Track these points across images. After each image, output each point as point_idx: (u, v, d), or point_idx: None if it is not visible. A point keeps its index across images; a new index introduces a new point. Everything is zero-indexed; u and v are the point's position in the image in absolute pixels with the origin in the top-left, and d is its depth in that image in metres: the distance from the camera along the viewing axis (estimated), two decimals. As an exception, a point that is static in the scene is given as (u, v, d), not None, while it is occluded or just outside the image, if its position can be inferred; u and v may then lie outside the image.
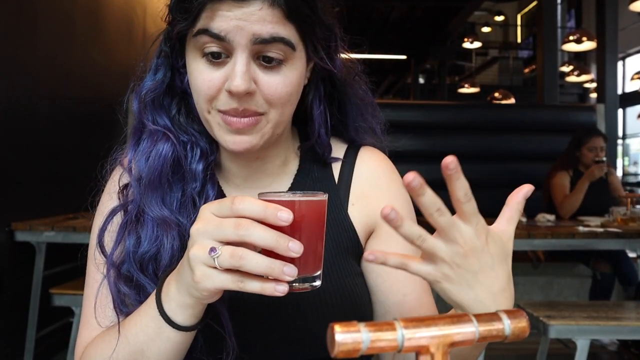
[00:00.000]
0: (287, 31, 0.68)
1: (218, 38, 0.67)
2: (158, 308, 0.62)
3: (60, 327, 2.96)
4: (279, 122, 0.73)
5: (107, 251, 0.75)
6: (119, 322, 0.69)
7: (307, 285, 0.58)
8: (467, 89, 10.55)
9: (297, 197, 0.57)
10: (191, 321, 0.62)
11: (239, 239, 0.54)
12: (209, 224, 0.56)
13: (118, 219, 0.77)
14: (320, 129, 0.82)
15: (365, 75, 0.87)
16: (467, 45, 10.08)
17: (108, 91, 3.81)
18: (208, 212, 0.57)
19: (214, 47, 0.68)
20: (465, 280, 0.56)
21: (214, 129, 0.72)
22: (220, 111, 0.70)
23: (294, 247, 0.54)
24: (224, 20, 0.66)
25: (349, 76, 0.84)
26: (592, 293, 3.45)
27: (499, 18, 15.62)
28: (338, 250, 0.79)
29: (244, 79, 0.67)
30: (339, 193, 0.83)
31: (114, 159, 0.82)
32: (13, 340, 2.66)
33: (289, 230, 0.56)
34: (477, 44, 10.12)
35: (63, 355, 2.99)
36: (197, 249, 0.56)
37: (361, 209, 0.82)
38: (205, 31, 0.67)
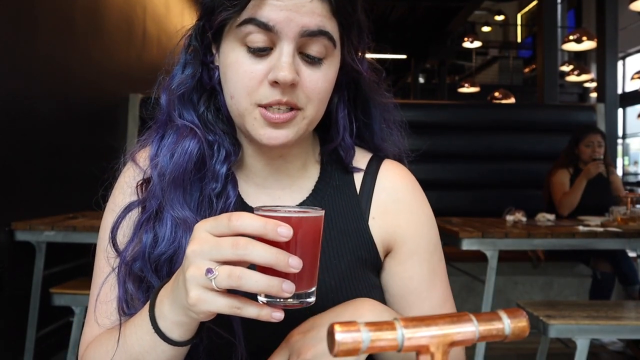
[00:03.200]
0: (331, 26, 0.69)
1: (266, 28, 0.66)
2: (152, 325, 0.61)
3: (60, 326, 2.97)
4: (313, 120, 0.73)
5: (120, 248, 0.74)
6: (120, 328, 0.68)
7: (301, 301, 0.57)
8: (467, 89, 10.55)
9: (294, 212, 0.56)
10: (187, 336, 0.61)
11: (238, 259, 0.53)
12: (206, 244, 0.54)
13: (133, 214, 0.75)
14: (344, 132, 0.81)
15: (388, 84, 0.87)
16: (467, 44, 10.07)
17: (108, 91, 3.82)
18: (203, 231, 0.56)
19: (258, 37, 0.67)
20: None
21: (248, 124, 0.71)
22: (260, 105, 0.69)
23: (294, 263, 0.53)
24: (273, 10, 0.66)
25: (373, 81, 0.84)
26: (592, 292, 3.46)
27: (499, 17, 15.61)
28: (356, 262, 0.78)
29: (290, 69, 0.66)
30: (360, 204, 0.81)
31: (130, 154, 0.81)
32: (13, 339, 2.66)
33: (286, 247, 0.54)
34: (477, 44, 10.11)
35: (63, 354, 2.99)
36: (194, 270, 0.54)
37: (381, 224, 0.81)
38: (253, 20, 0.66)
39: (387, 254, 0.82)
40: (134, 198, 0.77)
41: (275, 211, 0.56)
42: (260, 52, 0.68)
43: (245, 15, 0.67)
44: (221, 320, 0.68)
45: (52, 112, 3.03)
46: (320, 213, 0.58)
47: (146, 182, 0.76)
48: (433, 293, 0.80)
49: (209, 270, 0.53)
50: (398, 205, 0.82)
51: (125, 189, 0.79)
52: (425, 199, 0.86)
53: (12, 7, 2.65)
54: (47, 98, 2.99)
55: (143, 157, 0.80)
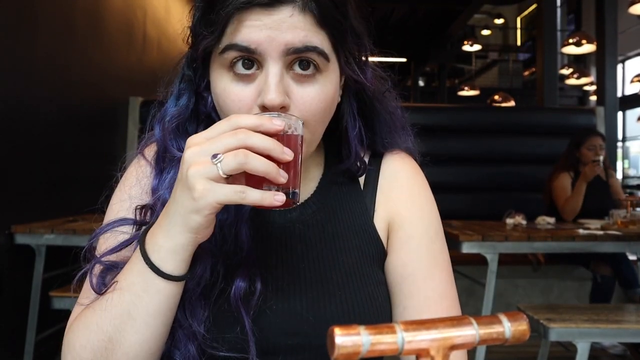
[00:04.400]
0: (319, 40, 0.65)
1: (248, 51, 0.64)
2: (145, 260, 0.61)
3: (60, 330, 2.94)
4: (311, 142, 0.71)
5: (100, 248, 0.73)
6: (104, 289, 0.67)
7: (287, 197, 0.61)
8: (467, 92, 10.58)
9: (276, 115, 0.61)
10: (181, 268, 0.62)
11: (239, 144, 0.56)
12: (204, 143, 0.58)
13: (125, 229, 0.74)
14: (357, 148, 0.79)
15: (395, 88, 0.84)
16: (467, 48, 10.11)
17: (108, 93, 3.82)
18: (199, 137, 0.59)
19: (242, 62, 0.65)
20: None
21: None
22: None
23: (287, 151, 0.58)
24: (253, 32, 0.63)
25: (378, 90, 0.81)
26: (592, 296, 3.45)
27: (499, 21, 15.67)
28: (363, 258, 0.77)
29: (277, 91, 0.63)
30: (365, 201, 0.81)
31: (139, 149, 0.81)
32: (12, 343, 2.66)
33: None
34: (477, 47, 10.15)
35: (62, 358, 2.99)
36: (196, 166, 0.57)
37: (383, 214, 0.81)
38: (234, 46, 0.64)
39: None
40: (134, 205, 0.75)
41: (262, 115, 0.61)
42: (246, 76, 0.66)
43: (226, 41, 0.65)
44: (232, 327, 0.68)
45: (52, 115, 3.03)
46: (300, 121, 0.62)
47: (145, 208, 0.75)
48: (429, 283, 0.77)
49: (213, 156, 0.56)
50: (398, 192, 0.81)
51: (126, 195, 0.78)
52: (427, 185, 0.84)
53: (12, 9, 2.66)
54: (47, 101, 2.99)
55: (149, 150, 0.80)
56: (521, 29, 16.36)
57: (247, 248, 0.71)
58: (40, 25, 2.90)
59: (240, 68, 0.66)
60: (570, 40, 5.92)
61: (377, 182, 0.82)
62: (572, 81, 7.83)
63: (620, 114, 11.25)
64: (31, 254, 2.64)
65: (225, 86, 0.67)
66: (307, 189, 0.81)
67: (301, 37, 0.64)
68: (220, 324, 0.69)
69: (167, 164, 0.75)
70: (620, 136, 11.86)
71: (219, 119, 0.73)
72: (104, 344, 0.63)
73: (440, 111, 4.58)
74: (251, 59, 0.65)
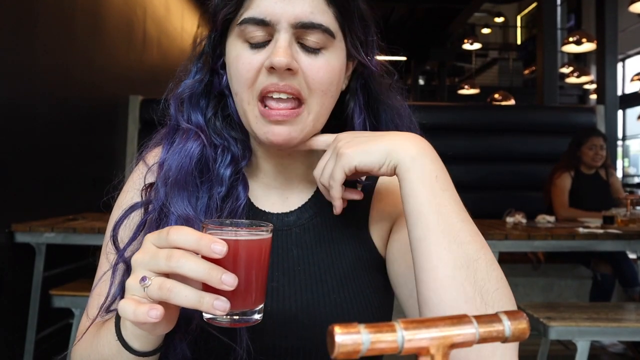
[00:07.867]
0: (326, 18, 0.70)
1: (263, 23, 0.68)
2: (116, 333, 0.62)
3: (60, 328, 2.96)
4: (319, 114, 0.73)
5: (120, 245, 0.74)
6: (88, 329, 0.70)
7: (245, 319, 0.56)
8: (467, 90, 10.56)
9: (239, 232, 0.55)
10: (148, 348, 0.62)
11: (170, 270, 0.53)
12: (147, 254, 0.55)
13: (137, 216, 0.76)
14: None
15: (400, 82, 0.86)
16: (467, 46, 10.09)
17: (108, 92, 3.82)
18: (149, 242, 0.56)
19: (256, 32, 0.69)
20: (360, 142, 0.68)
21: (252, 122, 0.72)
22: (260, 100, 0.69)
23: (227, 280, 0.52)
24: (268, 4, 0.68)
25: (385, 82, 0.83)
26: (592, 294, 3.46)
27: (499, 19, 15.66)
28: (357, 262, 0.78)
29: (285, 54, 0.67)
30: (362, 207, 0.81)
31: (142, 155, 0.82)
32: (13, 341, 2.66)
33: (228, 263, 0.53)
34: (477, 46, 10.13)
35: (63, 356, 2.99)
36: (132, 279, 0.56)
37: (378, 218, 0.81)
38: (251, 19, 0.68)
39: (388, 240, 0.80)
40: (139, 199, 0.77)
41: (221, 228, 0.55)
42: (259, 44, 0.70)
43: (243, 11, 0.69)
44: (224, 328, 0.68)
45: (52, 113, 3.03)
46: (267, 235, 0.57)
47: (151, 186, 0.77)
48: None
49: (143, 278, 0.54)
50: (394, 185, 0.80)
51: (132, 191, 0.80)
52: None
53: (11, 8, 2.66)
54: (47, 100, 2.99)
55: (152, 155, 0.81)
56: (521, 27, 16.35)
57: None
58: (40, 25, 2.90)
59: (254, 38, 0.70)
60: (571, 39, 5.91)
61: (375, 183, 0.83)
62: (572, 80, 7.81)
63: (620, 112, 11.25)
64: (31, 253, 2.64)
65: (239, 52, 0.71)
66: (309, 189, 0.81)
67: (308, 13, 0.68)
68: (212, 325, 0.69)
69: (177, 133, 0.78)
70: (620, 135, 11.86)
71: (231, 96, 0.76)
72: None
73: (440, 110, 4.58)
74: (264, 30, 0.69)
